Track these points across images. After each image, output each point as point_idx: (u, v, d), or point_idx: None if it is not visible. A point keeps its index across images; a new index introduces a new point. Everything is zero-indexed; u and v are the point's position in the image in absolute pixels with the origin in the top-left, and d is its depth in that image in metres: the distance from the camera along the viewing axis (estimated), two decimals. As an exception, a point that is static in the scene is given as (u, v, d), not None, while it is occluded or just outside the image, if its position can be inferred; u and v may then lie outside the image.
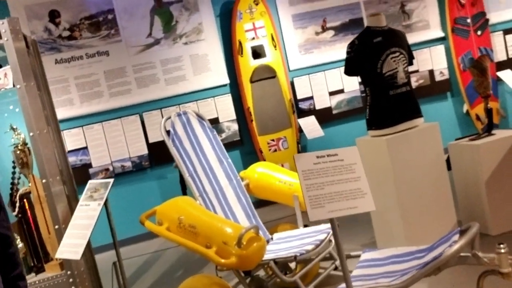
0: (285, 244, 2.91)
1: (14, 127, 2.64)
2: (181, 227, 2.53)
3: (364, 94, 3.42)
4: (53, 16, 5.20)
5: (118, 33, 5.39)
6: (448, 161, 3.56)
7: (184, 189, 2.92)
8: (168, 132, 2.99)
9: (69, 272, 2.49)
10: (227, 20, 5.70)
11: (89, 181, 2.56)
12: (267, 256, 2.68)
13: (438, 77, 6.33)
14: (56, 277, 2.49)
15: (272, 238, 3.09)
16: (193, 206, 2.65)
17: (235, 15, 5.58)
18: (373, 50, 3.23)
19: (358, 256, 2.82)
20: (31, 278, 2.50)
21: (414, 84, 6.05)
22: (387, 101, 3.27)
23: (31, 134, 2.44)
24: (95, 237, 3.40)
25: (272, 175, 3.24)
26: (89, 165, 5.26)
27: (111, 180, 2.48)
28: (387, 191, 3.25)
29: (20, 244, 2.51)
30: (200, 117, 3.24)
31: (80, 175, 5.15)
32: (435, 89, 6.32)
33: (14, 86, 2.43)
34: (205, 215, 2.58)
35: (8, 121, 2.74)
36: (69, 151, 5.19)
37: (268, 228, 3.26)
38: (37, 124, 2.45)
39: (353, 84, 6.03)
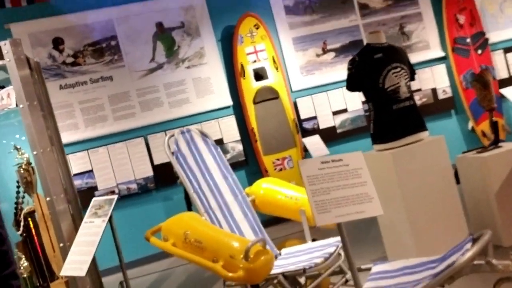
0: (293, 258, 2.86)
1: (18, 147, 2.65)
2: (187, 242, 2.50)
3: (367, 112, 3.41)
4: (57, 43, 5.29)
5: (121, 58, 5.47)
6: (456, 175, 3.53)
7: (190, 206, 2.90)
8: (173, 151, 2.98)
9: (74, 292, 2.45)
10: (228, 44, 5.78)
11: (93, 198, 2.55)
12: (275, 271, 2.63)
13: (441, 95, 6.35)
14: (61, 297, 2.45)
15: (280, 254, 3.04)
16: (198, 221, 2.62)
17: (236, 39, 5.66)
18: (374, 66, 3.25)
19: (369, 269, 2.76)
20: (35, 299, 2.46)
21: (417, 102, 6.05)
22: (390, 115, 3.27)
23: (34, 152, 2.44)
24: (102, 260, 3.37)
25: (278, 190, 3.21)
26: (95, 188, 5.25)
27: (115, 197, 2.47)
28: (395, 204, 3.21)
29: (25, 263, 2.48)
30: (203, 135, 3.24)
31: (86, 198, 5.08)
32: (439, 107, 6.32)
33: (17, 106, 2.45)
34: (211, 229, 2.55)
35: (12, 142, 2.75)
36: (75, 175, 5.19)
37: (276, 244, 3.21)
38: (40, 142, 2.46)
39: (356, 104, 6.05)
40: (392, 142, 3.27)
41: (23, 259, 2.50)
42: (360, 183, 1.56)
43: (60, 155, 2.97)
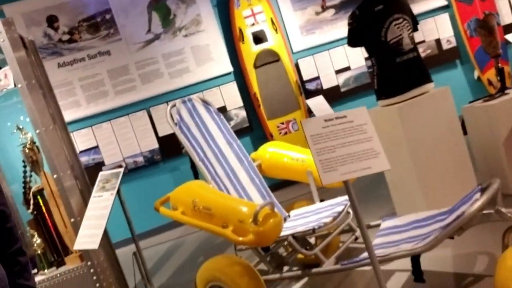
0: (302, 219, 2.88)
1: (21, 127, 2.64)
2: (196, 210, 2.51)
3: (371, 68, 3.34)
4: (51, 21, 5.20)
5: (117, 32, 5.38)
6: (463, 125, 3.48)
7: (196, 175, 2.90)
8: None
9: (89, 263, 2.50)
10: (225, 9, 5.65)
11: (100, 173, 2.55)
12: (285, 232, 2.65)
13: (445, 46, 6.21)
14: (77, 269, 2.50)
15: (289, 216, 3.06)
16: (206, 189, 2.63)
17: (233, 2, 5.53)
18: (375, 19, 3.15)
19: (378, 225, 2.78)
20: (52, 272, 2.51)
21: (421, 54, 5.92)
22: (394, 68, 3.20)
23: (37, 131, 2.43)
24: (114, 233, 3.42)
25: (283, 153, 3.19)
26: (102, 164, 5.28)
27: (121, 170, 2.47)
28: (403, 160, 3.18)
29: (38, 240, 2.52)
30: (205, 102, 3.21)
31: (94, 174, 5.16)
32: (443, 57, 6.20)
33: (15, 86, 2.42)
34: (219, 196, 2.55)
35: (15, 122, 2.74)
36: (81, 151, 5.22)
37: (285, 207, 3.23)
38: (43, 121, 2.44)
39: (359, 60, 5.94)
40: (397, 96, 3.21)
41: (36, 236, 2.53)
42: (365, 139, 1.54)
43: (64, 133, 2.96)
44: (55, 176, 2.45)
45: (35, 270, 2.58)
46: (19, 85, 2.43)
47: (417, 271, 2.22)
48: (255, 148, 5.70)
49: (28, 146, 2.62)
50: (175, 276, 3.85)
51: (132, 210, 5.19)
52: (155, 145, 5.39)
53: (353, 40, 3.30)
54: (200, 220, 2.48)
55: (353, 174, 1.48)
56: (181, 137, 2.89)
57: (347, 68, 5.95)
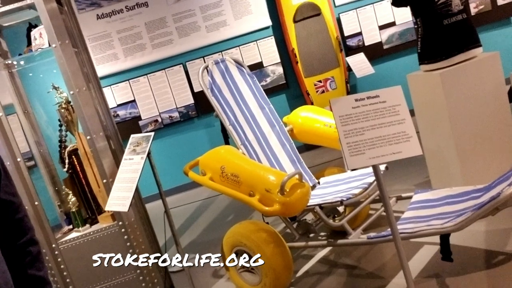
0: (331, 188, 2.84)
1: (56, 86, 2.67)
2: (223, 176, 2.52)
3: (415, 26, 3.13)
4: (90, -30, 5.15)
5: (155, -19, 5.27)
6: (510, 93, 3.25)
7: (227, 139, 2.88)
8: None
9: (120, 223, 2.58)
10: (266, -42, 5.40)
11: (131, 135, 2.57)
12: (312, 201, 2.63)
13: (500, 1, 5.73)
14: (109, 228, 2.59)
15: (318, 183, 3.03)
16: (235, 155, 2.61)
17: (274, -49, 5.26)
18: (423, -25, 2.91)
19: (410, 197, 2.70)
20: (86, 230, 2.61)
21: (473, 11, 5.53)
22: (440, 31, 2.98)
23: (71, 92, 2.46)
24: (146, 188, 3.50)
25: (316, 118, 3.11)
26: (139, 118, 5.37)
27: (152, 134, 2.48)
28: (442, 128, 3.04)
29: (73, 199, 2.61)
30: (238, 64, 3.13)
31: (130, 128, 5.30)
32: (497, 15, 5.73)
33: (50, 45, 2.43)
34: (247, 163, 2.54)
35: (51, 81, 2.77)
36: (119, 105, 5.31)
37: (315, 173, 3.19)
38: (76, 82, 2.45)
39: (405, 16, 5.60)
40: (441, 61, 3.02)
41: (71, 194, 2.62)
42: (397, 121, 1.44)
43: (98, 92, 2.98)
44: (88, 137, 2.49)
45: (71, 227, 2.70)
46: (53, 45, 2.43)
47: (445, 250, 2.16)
48: (291, 106, 5.63)
49: (63, 105, 2.66)
50: (204, 234, 3.95)
51: (166, 165, 5.34)
52: (190, 100, 5.40)
53: (398, -1, 3.09)
54: (228, 187, 2.49)
55: (382, 158, 1.41)
56: (212, 101, 2.86)
57: (392, 24, 5.64)
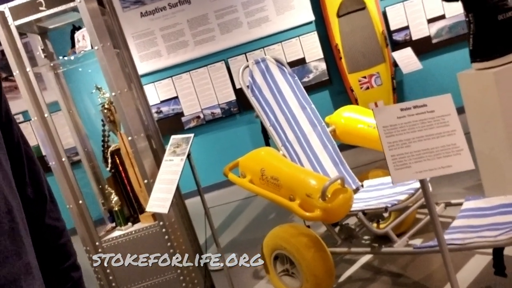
0: (376, 192, 2.74)
1: (99, 86, 2.71)
2: (263, 179, 2.48)
3: (467, 19, 2.96)
4: (134, -32, 5.22)
5: (197, -22, 5.28)
6: None
7: (267, 140, 2.84)
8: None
9: (161, 223, 2.60)
10: (309, -50, 5.28)
11: (172, 136, 2.58)
12: (356, 205, 2.55)
13: None
14: (150, 227, 2.61)
15: (362, 186, 2.93)
16: (275, 157, 2.57)
17: None
18: (477, -32, 2.74)
19: (460, 204, 2.56)
20: (128, 228, 2.65)
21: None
22: (495, 27, 2.79)
23: (113, 94, 2.48)
24: (187, 184, 3.50)
25: (360, 119, 3.01)
26: (181, 114, 5.42)
27: (192, 135, 2.47)
28: (495, 130, 2.86)
29: (115, 198, 2.66)
30: (279, 63, 3.07)
31: (173, 124, 5.37)
32: (560, 4, 5.35)
33: (92, 47, 2.46)
34: (288, 166, 2.48)
35: (94, 81, 2.82)
36: (162, 101, 5.38)
37: (358, 174, 3.09)
38: (118, 83, 2.48)
39: (456, 8, 5.32)
40: (496, 59, 2.83)
41: (113, 194, 2.67)
42: (447, 133, 1.34)
43: (140, 91, 3.01)
44: (129, 138, 2.51)
45: (113, 224, 2.75)
46: (95, 47, 2.46)
47: (498, 264, 2.02)
48: (334, 102, 5.51)
49: (106, 106, 2.70)
50: (244, 233, 3.94)
51: (207, 161, 5.37)
52: (232, 97, 5.39)
53: (448, -7, 2.92)
54: (268, 190, 2.45)
55: (430, 173, 1.32)
56: (252, 101, 2.82)
57: (442, 17, 5.38)
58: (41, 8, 2.42)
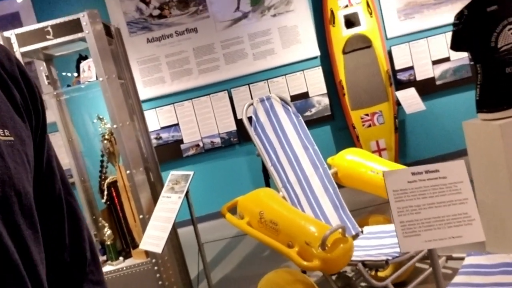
0: (376, 240, 2.67)
1: (101, 117, 2.68)
2: (262, 222, 2.41)
3: (475, 70, 2.95)
4: (144, -5, 5.26)
5: (206, 9, 5.31)
6: None
7: (267, 180, 2.79)
8: (250, 119, 2.85)
9: (153, 260, 2.52)
10: (317, -12, 5.34)
11: (171, 172, 2.53)
12: (355, 254, 2.48)
13: None
14: (142, 264, 2.54)
15: (362, 232, 2.87)
16: (275, 200, 2.51)
17: (327, -19, 5.19)
18: (486, 21, 2.74)
19: (462, 258, 2.50)
20: (119, 264, 2.57)
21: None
22: (502, 80, 2.78)
23: (114, 126, 2.45)
24: (185, 212, 3.41)
25: (363, 163, 2.96)
26: (181, 141, 5.37)
27: (192, 173, 2.42)
28: (499, 182, 2.81)
29: (108, 231, 2.58)
30: (284, 101, 3.04)
31: (172, 151, 5.31)
32: None
33: (97, 78, 2.43)
34: (288, 210, 2.42)
35: (97, 111, 2.79)
36: (162, 128, 5.34)
37: (358, 216, 3.03)
38: (120, 116, 2.44)
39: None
40: (502, 111, 2.81)
41: (107, 227, 2.60)
42: (459, 201, 1.29)
43: (142, 122, 2.98)
44: (127, 172, 2.46)
45: (104, 258, 2.66)
46: (100, 79, 2.43)
47: (502, 329, 1.94)
48: (335, 138, 5.48)
49: (106, 136, 2.65)
50: (237, 270, 3.83)
51: (204, 190, 5.29)
52: (233, 127, 5.35)
53: (458, 43, 2.92)
54: (266, 234, 2.38)
55: (439, 242, 1.26)
56: (255, 139, 2.78)
57: (446, 59, 5.41)
58: (48, 37, 2.41)
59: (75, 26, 2.36)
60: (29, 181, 0.65)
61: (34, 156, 0.69)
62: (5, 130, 0.61)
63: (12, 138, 0.62)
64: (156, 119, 5.31)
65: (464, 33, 2.85)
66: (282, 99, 3.04)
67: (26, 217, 0.61)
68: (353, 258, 2.38)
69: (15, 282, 0.57)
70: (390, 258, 2.30)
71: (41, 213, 0.68)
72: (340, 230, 2.22)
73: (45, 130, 0.74)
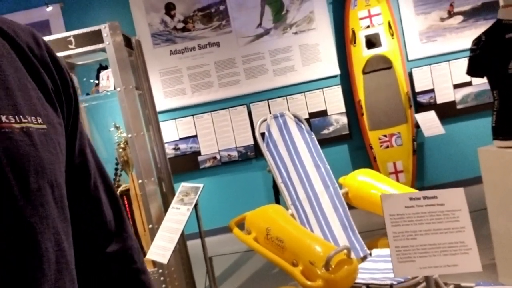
0: (383, 264, 2.65)
1: (117, 125, 2.75)
2: (268, 238, 2.43)
3: (492, 96, 2.92)
4: (169, 8, 5.39)
5: (229, 24, 5.41)
6: None
7: (277, 196, 2.80)
8: (263, 135, 2.88)
9: (160, 271, 2.56)
10: (340, 8, 5.37)
11: (182, 184, 2.57)
12: (361, 276, 2.46)
13: None
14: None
15: (370, 254, 2.84)
16: (282, 217, 2.52)
17: (349, 2, 5.22)
18: (504, 48, 2.72)
19: (471, 288, 2.46)
20: (127, 272, 2.61)
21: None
22: (519, 107, 2.76)
23: (129, 135, 2.51)
24: (195, 224, 3.44)
25: (374, 185, 2.95)
26: (198, 153, 5.44)
27: (201, 186, 2.46)
28: (513, 211, 2.77)
29: (117, 240, 2.63)
30: (298, 119, 3.07)
31: (190, 162, 5.38)
32: None
33: (115, 89, 2.51)
34: (294, 228, 2.43)
35: (114, 120, 2.86)
36: (180, 139, 5.42)
37: (368, 239, 3.01)
38: (135, 126, 2.51)
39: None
40: (518, 139, 2.78)
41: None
42: (456, 229, 1.29)
43: (157, 133, 3.04)
44: (139, 181, 2.52)
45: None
46: (118, 89, 2.51)
47: None
48: (352, 158, 5.46)
49: (121, 145, 2.72)
50: (245, 285, 3.83)
51: (218, 203, 5.32)
52: (250, 141, 5.40)
53: (474, 68, 2.90)
54: (271, 251, 2.39)
55: (434, 270, 1.26)
56: (266, 155, 2.81)
57: (468, 84, 5.36)
58: (70, 46, 2.50)
59: (96, 37, 2.46)
60: (62, 171, 0.62)
61: (66, 145, 0.66)
62: (38, 118, 0.59)
63: (45, 126, 0.60)
64: (175, 130, 5.40)
65: (482, 59, 2.83)
66: (295, 117, 3.07)
67: (58, 209, 0.60)
68: (358, 281, 2.37)
69: (50, 274, 0.56)
70: (395, 283, 2.27)
71: (73, 204, 0.66)
72: (345, 251, 2.22)
73: (77, 117, 0.71)
